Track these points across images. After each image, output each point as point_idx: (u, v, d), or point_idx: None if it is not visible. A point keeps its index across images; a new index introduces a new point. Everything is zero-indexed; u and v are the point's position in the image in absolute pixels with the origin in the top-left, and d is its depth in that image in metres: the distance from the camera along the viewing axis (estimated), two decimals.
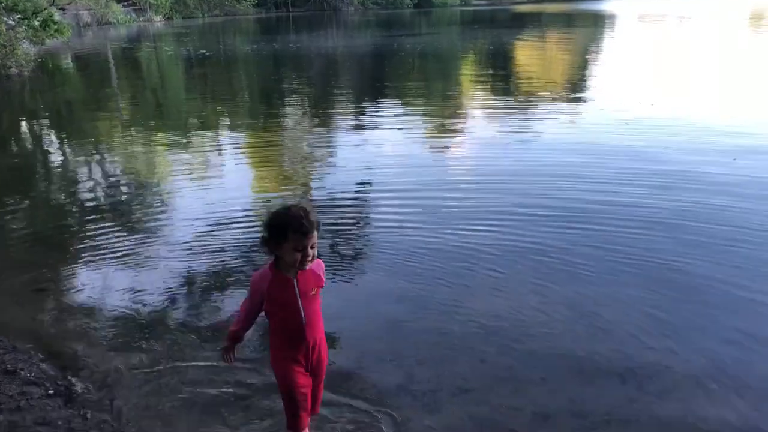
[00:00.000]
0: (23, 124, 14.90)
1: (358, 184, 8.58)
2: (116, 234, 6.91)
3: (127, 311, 5.13)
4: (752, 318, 4.84)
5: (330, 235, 6.56)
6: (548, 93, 16.03)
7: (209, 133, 12.74)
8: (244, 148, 11.50)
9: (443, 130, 12.25)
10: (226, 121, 14.31)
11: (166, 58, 29.27)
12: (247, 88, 20.60)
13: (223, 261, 6.09)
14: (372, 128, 12.41)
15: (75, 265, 6.10)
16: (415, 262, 5.89)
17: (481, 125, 12.46)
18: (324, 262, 3.22)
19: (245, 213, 7.54)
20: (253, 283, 3.02)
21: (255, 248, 6.30)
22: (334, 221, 7.03)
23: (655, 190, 7.76)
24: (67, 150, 11.81)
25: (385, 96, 16.55)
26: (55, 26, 23.75)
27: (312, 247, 2.88)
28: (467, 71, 22.53)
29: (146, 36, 42.99)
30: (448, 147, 10.99)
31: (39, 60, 23.33)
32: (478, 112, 13.81)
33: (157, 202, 8.16)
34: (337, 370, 4.07)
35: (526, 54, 27.11)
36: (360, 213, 7.46)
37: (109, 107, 16.71)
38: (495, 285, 5.44)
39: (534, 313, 4.94)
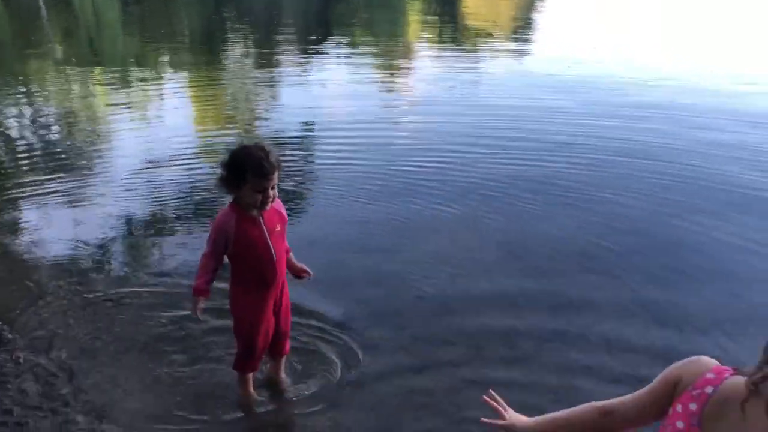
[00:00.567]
0: None
1: (302, 122, 8.46)
2: (51, 173, 6.65)
3: (62, 252, 4.96)
4: (679, 254, 5.01)
5: None
6: (494, 36, 16.00)
7: (149, 72, 12.27)
8: (185, 86, 11.14)
9: (389, 71, 12.12)
10: (166, 59, 13.79)
11: None
12: (188, 27, 19.81)
13: (161, 199, 5.96)
14: (317, 69, 12.18)
15: (8, 206, 5.87)
16: (360, 199, 5.88)
17: (427, 66, 12.38)
18: None
19: (187, 151, 7.37)
20: (217, 227, 2.85)
21: (196, 186, 6.21)
22: (280, 159, 6.93)
23: (594, 129, 7.92)
24: None
25: (331, 37, 16.20)
26: None
27: (273, 188, 2.78)
28: (414, 14, 22.20)
29: None
30: (394, 87, 10.92)
31: None
32: (424, 54, 13.70)
33: (94, 141, 7.88)
34: None
35: None
36: (304, 150, 7.40)
37: (39, 45, 15.81)
38: (438, 222, 5.46)
39: (472, 249, 4.99)
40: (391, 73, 11.96)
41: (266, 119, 9.02)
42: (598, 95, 9.76)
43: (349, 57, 13.34)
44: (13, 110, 9.47)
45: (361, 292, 4.39)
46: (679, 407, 1.34)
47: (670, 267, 4.76)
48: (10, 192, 6.23)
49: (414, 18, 21.89)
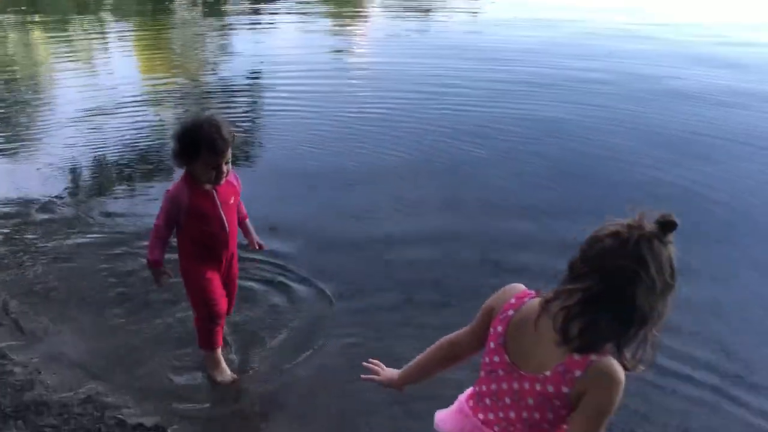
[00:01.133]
0: None
1: (252, 71, 8.37)
2: None
3: (2, 205, 4.82)
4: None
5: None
6: None
7: (92, 19, 11.86)
8: (131, 34, 10.83)
9: (340, 22, 11.98)
10: (110, 6, 13.32)
11: None
12: None
13: (105, 148, 5.87)
14: (268, 22, 11.95)
15: None
16: (313, 147, 5.83)
17: (379, 18, 12.28)
18: None
19: (132, 99, 7.25)
20: (171, 199, 2.79)
21: (141, 134, 6.17)
22: (228, 106, 6.90)
23: (538, 70, 8.11)
24: None
25: None
26: None
27: (226, 164, 2.74)
28: None
29: None
30: (345, 37, 10.81)
31: None
32: (376, 7, 13.54)
33: (35, 89, 7.67)
34: None
35: None
36: (255, 99, 7.35)
37: None
38: (382, 168, 5.45)
39: (415, 192, 5.03)
40: (342, 24, 11.83)
41: (213, 67, 8.89)
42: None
43: (300, 3, 13.10)
44: None
45: (306, 239, 4.29)
46: (491, 330, 1.57)
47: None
48: None
49: None
